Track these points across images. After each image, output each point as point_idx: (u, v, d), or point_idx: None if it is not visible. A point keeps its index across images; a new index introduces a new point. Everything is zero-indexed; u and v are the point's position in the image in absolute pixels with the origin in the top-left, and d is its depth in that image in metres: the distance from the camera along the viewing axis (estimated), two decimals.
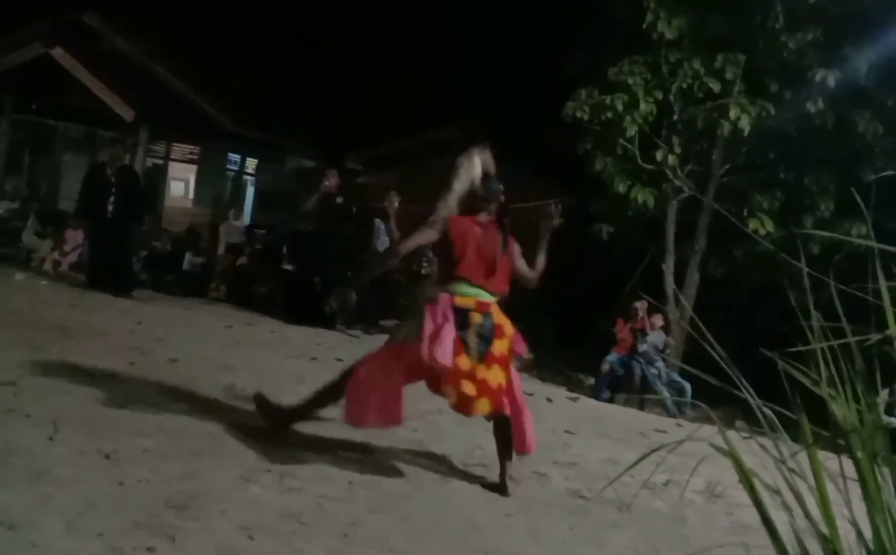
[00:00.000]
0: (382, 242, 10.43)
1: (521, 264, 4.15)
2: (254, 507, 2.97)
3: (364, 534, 2.90)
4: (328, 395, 4.01)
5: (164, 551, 2.48)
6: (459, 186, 4.12)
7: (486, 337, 3.79)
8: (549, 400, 6.51)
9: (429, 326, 3.75)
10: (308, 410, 4.10)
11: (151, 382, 4.64)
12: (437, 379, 3.80)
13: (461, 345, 3.74)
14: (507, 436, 3.87)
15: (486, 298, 3.91)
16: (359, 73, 17.82)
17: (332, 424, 4.38)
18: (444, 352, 3.67)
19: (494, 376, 3.76)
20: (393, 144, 15.66)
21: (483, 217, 4.06)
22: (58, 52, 13.49)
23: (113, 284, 9.39)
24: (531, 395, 6.48)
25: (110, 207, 9.69)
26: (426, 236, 4.07)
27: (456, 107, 15.86)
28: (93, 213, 9.99)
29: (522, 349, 4.05)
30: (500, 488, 3.77)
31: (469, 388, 3.72)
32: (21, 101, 14.01)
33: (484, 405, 3.75)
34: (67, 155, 15.96)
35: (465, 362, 3.73)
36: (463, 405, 3.78)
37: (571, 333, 12.00)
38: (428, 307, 3.84)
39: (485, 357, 3.76)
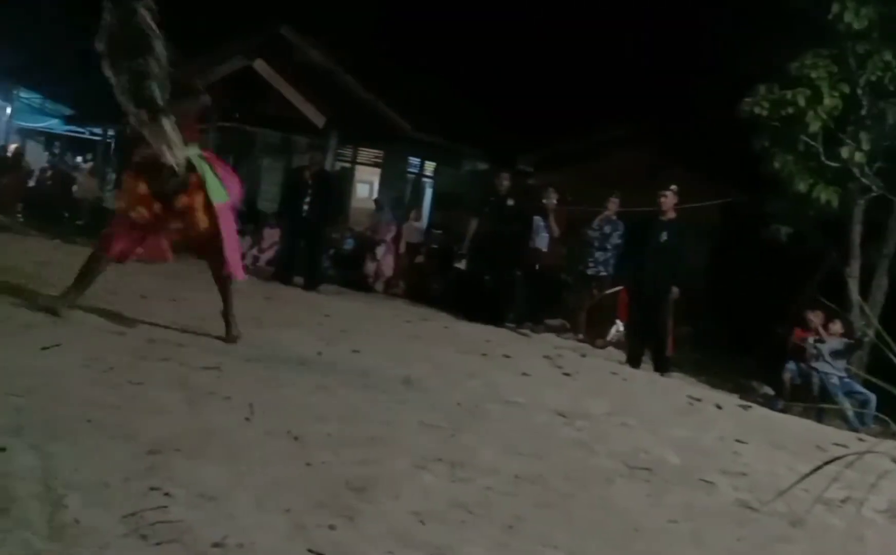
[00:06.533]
0: (542, 239, 10.51)
1: None
2: (425, 494, 3.06)
3: (528, 528, 2.93)
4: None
5: (343, 529, 2.59)
6: None
7: None
8: (719, 407, 6.28)
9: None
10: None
11: (335, 371, 4.91)
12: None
13: None
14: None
15: None
16: (532, 74, 17.91)
17: (500, 419, 4.51)
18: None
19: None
20: (562, 145, 15.62)
21: None
22: (259, 65, 14.58)
23: (303, 279, 10.18)
24: (699, 400, 6.31)
25: (305, 208, 10.46)
26: None
27: (626, 105, 15.60)
28: (289, 212, 10.84)
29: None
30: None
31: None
32: (225, 111, 15.23)
33: None
34: (266, 159, 17.26)
35: None
36: None
37: (743, 339, 11.40)
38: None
39: None
